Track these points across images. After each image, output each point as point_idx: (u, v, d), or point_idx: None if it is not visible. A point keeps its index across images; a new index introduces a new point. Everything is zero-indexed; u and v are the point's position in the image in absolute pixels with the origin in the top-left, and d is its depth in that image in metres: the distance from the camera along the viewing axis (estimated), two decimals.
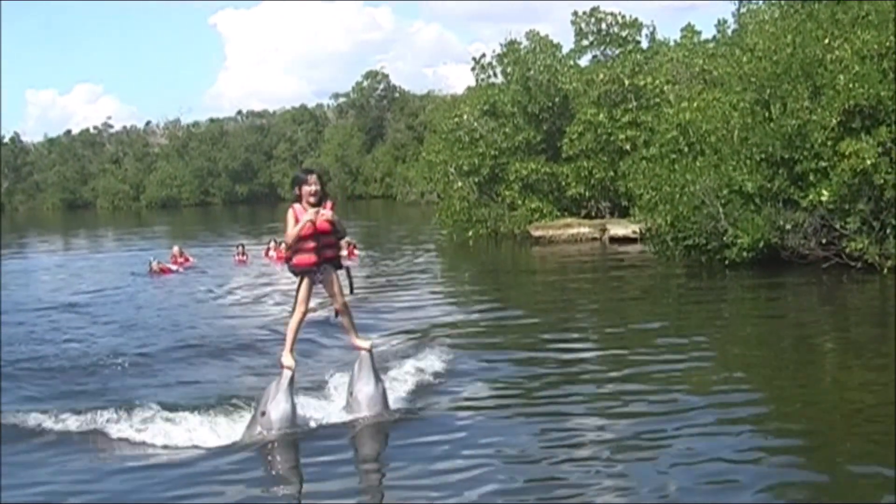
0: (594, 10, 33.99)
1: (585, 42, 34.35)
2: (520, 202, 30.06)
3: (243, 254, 26.85)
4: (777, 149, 17.13)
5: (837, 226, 16.62)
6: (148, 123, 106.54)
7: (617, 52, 33.43)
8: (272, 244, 26.82)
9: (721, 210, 17.75)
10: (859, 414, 8.58)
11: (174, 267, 24.73)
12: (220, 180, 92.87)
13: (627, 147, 27.90)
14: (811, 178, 16.82)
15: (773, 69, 18.08)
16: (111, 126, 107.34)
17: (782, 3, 22.84)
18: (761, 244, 17.24)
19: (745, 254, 17.34)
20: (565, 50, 34.17)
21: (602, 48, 34.08)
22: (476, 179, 31.04)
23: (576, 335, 13.36)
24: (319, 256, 8.71)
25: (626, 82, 28.97)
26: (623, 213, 27.90)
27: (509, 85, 32.46)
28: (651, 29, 35.19)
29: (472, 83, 37.88)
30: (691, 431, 8.07)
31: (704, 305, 15.52)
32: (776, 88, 17.84)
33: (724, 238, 17.68)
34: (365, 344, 8.99)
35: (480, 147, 30.88)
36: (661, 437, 7.95)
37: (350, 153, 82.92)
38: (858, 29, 17.26)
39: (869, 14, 17.55)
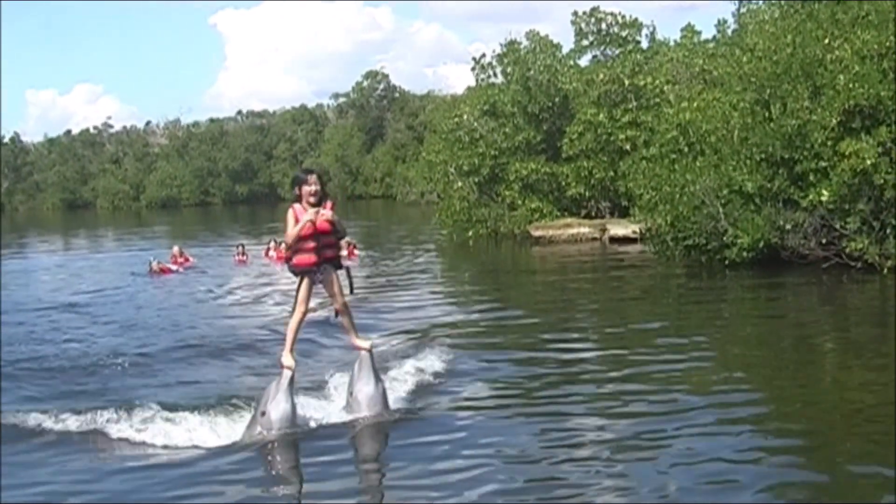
0: (594, 10, 34.00)
1: (585, 42, 34.35)
2: (520, 202, 30.06)
3: (243, 254, 26.84)
4: (777, 149, 17.13)
5: (837, 226, 16.62)
6: (148, 123, 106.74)
7: (617, 52, 33.43)
8: (272, 244, 26.82)
9: (721, 210, 17.75)
10: (859, 414, 8.57)
11: (174, 267, 24.73)
12: (220, 180, 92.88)
13: (627, 147, 27.90)
14: (811, 178, 16.82)
15: (773, 69, 18.08)
16: (111, 126, 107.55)
17: (782, 3, 22.83)
18: (761, 244, 17.24)
19: (745, 254, 17.34)
20: (565, 50, 34.22)
21: (602, 48, 34.09)
22: (476, 179, 31.05)
23: (576, 335, 13.36)
24: (319, 256, 8.71)
25: (626, 82, 28.97)
26: (623, 213, 27.90)
27: (509, 85, 32.46)
28: (651, 29, 35.24)
29: (472, 83, 37.92)
30: (691, 431, 8.07)
31: (704, 305, 15.52)
32: (776, 88, 17.84)
33: (724, 238, 17.69)
34: (365, 344, 8.99)
35: (480, 147, 30.88)
36: (661, 437, 7.95)
37: (350, 153, 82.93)
38: (858, 29, 17.26)
39: (869, 14, 17.55)
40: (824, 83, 16.88)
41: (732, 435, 7.98)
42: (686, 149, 20.29)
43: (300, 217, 8.60)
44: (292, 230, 8.58)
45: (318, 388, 9.87)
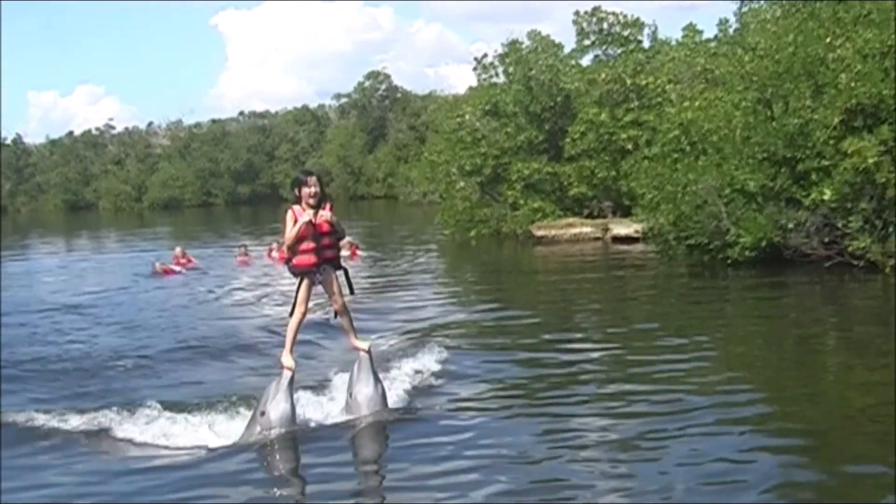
0: (596, 9, 33.93)
1: (587, 42, 34.28)
2: (522, 202, 30.02)
3: (246, 254, 26.85)
4: (779, 148, 17.13)
5: (840, 225, 16.61)
6: (150, 124, 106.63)
7: (619, 51, 33.36)
8: (275, 245, 26.79)
9: (723, 209, 17.74)
10: (863, 414, 8.56)
11: (177, 268, 24.74)
12: (223, 181, 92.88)
13: (629, 147, 27.86)
14: (813, 176, 16.80)
15: (774, 68, 18.06)
16: (113, 127, 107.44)
17: (784, 2, 22.81)
18: (763, 243, 17.24)
19: (747, 253, 17.34)
20: (567, 50, 34.19)
21: (604, 48, 34.02)
22: (478, 179, 31.03)
23: (578, 335, 13.36)
24: (319, 257, 8.75)
25: (628, 82, 28.93)
26: (625, 213, 27.89)
27: (511, 85, 32.45)
28: (653, 28, 35.13)
29: (474, 83, 37.94)
30: (694, 431, 8.06)
31: (707, 304, 15.51)
32: (778, 87, 17.84)
33: (727, 237, 17.68)
34: (364, 345, 9.00)
35: (482, 147, 30.85)
36: (664, 437, 7.95)
37: (352, 153, 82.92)
38: (860, 28, 17.25)
39: (871, 13, 17.53)
40: (826, 82, 16.87)
41: (735, 435, 7.98)
42: (688, 148, 20.29)
43: (299, 218, 8.63)
44: (290, 231, 8.61)
45: (317, 389, 9.86)
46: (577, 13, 34.10)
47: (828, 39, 17.34)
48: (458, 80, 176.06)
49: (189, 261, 25.91)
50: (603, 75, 29.50)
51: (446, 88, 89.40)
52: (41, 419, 9.32)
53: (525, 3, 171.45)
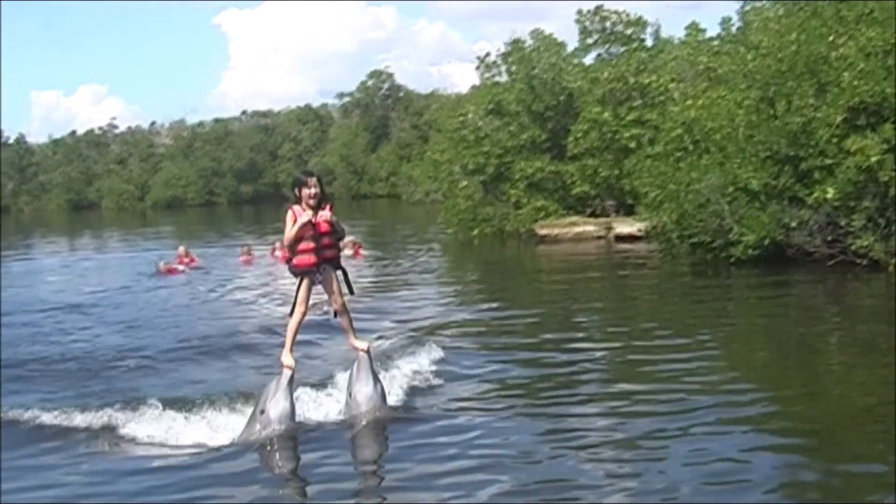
0: (598, 8, 33.88)
1: (590, 40, 34.22)
2: (525, 201, 30.02)
3: (249, 253, 26.87)
4: (782, 146, 17.13)
5: (843, 223, 16.60)
6: (153, 124, 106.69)
7: (621, 50, 33.30)
8: (278, 244, 26.76)
9: (726, 208, 17.74)
10: (866, 413, 8.55)
11: (180, 267, 24.76)
12: (225, 180, 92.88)
13: (632, 145, 27.81)
14: (816, 175, 16.80)
15: (777, 67, 18.06)
16: (116, 127, 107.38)
17: (787, 0, 22.79)
18: (767, 242, 17.24)
19: (750, 251, 17.34)
20: (570, 48, 34.15)
21: (606, 46, 33.97)
22: (481, 178, 31.02)
23: (581, 334, 13.36)
24: (319, 257, 8.78)
25: (631, 80, 28.91)
26: (628, 212, 27.88)
27: (514, 84, 32.43)
28: (656, 27, 35.14)
29: (477, 82, 37.96)
30: (697, 431, 8.06)
31: (710, 303, 15.51)
32: (781, 86, 17.83)
33: (730, 236, 17.68)
34: (363, 345, 9.01)
35: (485, 146, 30.85)
36: (667, 437, 7.94)
37: (355, 152, 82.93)
38: (863, 26, 17.23)
39: (873, 11, 17.50)
40: (829, 80, 16.86)
41: (739, 434, 7.97)
42: (691, 147, 20.28)
43: (299, 218, 8.65)
44: (290, 231, 8.65)
45: (317, 389, 9.85)
46: (579, 12, 34.06)
47: (831, 38, 17.33)
48: (461, 78, 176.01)
49: (192, 260, 25.93)
50: (606, 74, 29.49)
51: (449, 87, 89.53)
52: (46, 418, 9.34)
53: (528, 2, 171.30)
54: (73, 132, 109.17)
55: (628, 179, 26.05)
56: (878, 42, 16.53)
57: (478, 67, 34.74)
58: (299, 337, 9.13)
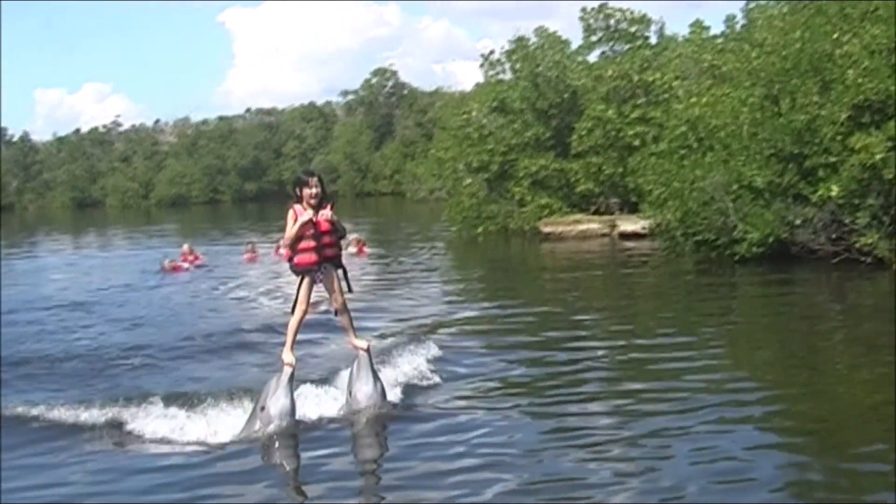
0: (602, 6, 33.88)
1: (594, 38, 34.21)
2: (529, 199, 30.01)
3: (253, 251, 26.87)
4: (786, 144, 17.11)
5: (847, 221, 16.59)
6: (157, 122, 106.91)
7: (626, 47, 33.28)
8: (281, 241, 26.77)
9: (731, 205, 17.73)
10: (871, 411, 8.54)
11: (185, 265, 24.78)
12: (230, 178, 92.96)
13: (637, 143, 27.78)
14: (821, 173, 16.79)
15: (782, 64, 18.04)
16: (120, 124, 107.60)
17: None
18: (771, 239, 17.23)
19: (754, 249, 17.33)
20: (574, 46, 34.14)
21: (611, 44, 33.96)
22: (485, 176, 31.01)
23: (585, 332, 13.34)
24: (320, 256, 8.82)
25: (635, 78, 28.89)
26: (633, 210, 27.84)
27: (518, 81, 32.40)
28: (660, 25, 35.09)
29: (481, 80, 37.86)
30: (702, 429, 8.06)
31: (714, 301, 15.50)
32: (785, 83, 17.82)
33: (734, 233, 17.68)
34: (363, 344, 9.04)
35: (489, 143, 30.84)
36: (672, 435, 7.94)
37: (359, 150, 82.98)
38: (867, 23, 17.21)
39: (878, 9, 17.49)
40: (833, 78, 16.85)
41: (744, 432, 7.97)
42: (695, 144, 20.26)
43: (300, 217, 8.67)
44: (290, 230, 8.67)
45: (317, 387, 9.85)
46: (583, 10, 34.07)
47: (835, 35, 17.31)
48: (466, 76, 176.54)
49: (196, 258, 25.93)
50: (610, 72, 29.48)
51: (453, 85, 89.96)
52: (50, 416, 9.35)
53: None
54: (78, 130, 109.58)
55: (632, 177, 26.03)
56: (883, 39, 16.50)
57: (482, 65, 34.74)
58: (300, 335, 9.17)
